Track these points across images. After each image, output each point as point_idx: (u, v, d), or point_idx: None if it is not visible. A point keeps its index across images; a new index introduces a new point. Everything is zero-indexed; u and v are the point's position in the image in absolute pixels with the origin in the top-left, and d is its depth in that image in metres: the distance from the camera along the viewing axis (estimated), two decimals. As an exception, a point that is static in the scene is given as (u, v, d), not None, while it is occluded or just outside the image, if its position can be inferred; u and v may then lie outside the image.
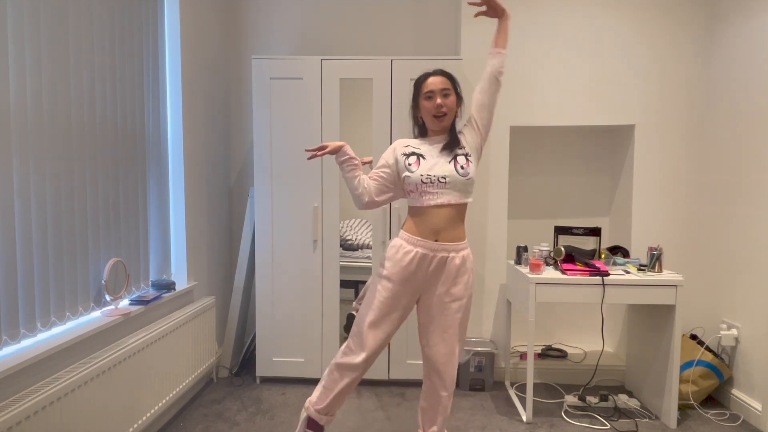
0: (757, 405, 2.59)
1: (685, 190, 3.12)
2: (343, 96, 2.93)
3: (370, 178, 2.03)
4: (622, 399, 2.79)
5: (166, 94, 2.69)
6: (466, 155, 1.97)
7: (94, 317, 2.09)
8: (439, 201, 1.93)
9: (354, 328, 2.04)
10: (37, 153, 1.77)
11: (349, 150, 2.00)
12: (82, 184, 2.00)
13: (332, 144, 1.99)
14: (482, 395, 2.98)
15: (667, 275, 2.61)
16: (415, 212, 2.00)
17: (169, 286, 2.56)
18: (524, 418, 2.65)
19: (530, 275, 2.60)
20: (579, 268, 2.65)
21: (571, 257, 2.78)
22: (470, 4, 2.03)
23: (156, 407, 2.32)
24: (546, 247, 2.83)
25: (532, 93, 3.12)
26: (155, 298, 2.40)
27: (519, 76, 3.12)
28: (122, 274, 2.23)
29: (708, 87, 3.04)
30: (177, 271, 2.80)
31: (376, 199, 2.01)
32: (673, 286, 2.54)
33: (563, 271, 2.66)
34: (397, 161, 2.01)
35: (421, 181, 1.93)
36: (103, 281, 2.11)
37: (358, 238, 3.42)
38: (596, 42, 3.09)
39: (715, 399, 2.89)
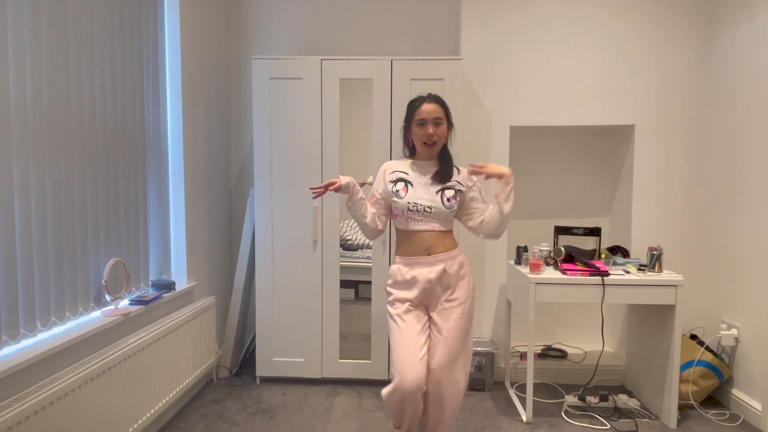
0: (757, 405, 2.59)
1: (685, 190, 3.12)
2: (343, 96, 2.93)
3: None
4: (622, 399, 2.79)
5: (166, 94, 2.69)
6: (456, 191, 2.00)
7: (94, 317, 2.09)
8: (424, 227, 1.99)
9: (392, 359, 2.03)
10: (37, 153, 1.77)
11: (357, 185, 2.00)
12: (82, 184, 2.00)
13: (342, 179, 1.95)
14: (482, 395, 2.98)
15: (667, 275, 2.61)
16: (403, 236, 2.05)
17: (169, 286, 2.56)
18: (524, 418, 2.65)
19: (530, 275, 2.60)
20: (579, 268, 2.65)
21: (571, 257, 2.78)
22: (472, 173, 2.00)
23: (156, 407, 2.32)
24: (546, 247, 2.83)
25: (532, 93, 3.12)
26: (155, 298, 2.40)
27: (519, 76, 3.12)
28: (122, 274, 2.23)
29: (708, 87, 3.04)
30: (177, 271, 2.80)
31: (380, 227, 2.08)
32: (673, 286, 2.54)
33: (563, 271, 2.66)
34: (385, 188, 2.05)
35: (408, 208, 1.98)
36: (103, 281, 2.11)
37: (358, 238, 3.42)
38: (596, 42, 3.09)
39: (715, 399, 2.89)
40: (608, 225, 3.40)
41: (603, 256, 2.83)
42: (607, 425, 2.59)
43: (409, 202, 1.97)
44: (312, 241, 3.00)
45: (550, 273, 2.66)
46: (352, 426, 2.57)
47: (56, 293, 1.87)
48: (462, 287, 2.00)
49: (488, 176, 1.96)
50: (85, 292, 2.04)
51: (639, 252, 3.04)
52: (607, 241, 3.32)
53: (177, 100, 2.73)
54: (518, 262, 2.89)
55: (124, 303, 2.30)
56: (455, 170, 2.05)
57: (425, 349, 1.95)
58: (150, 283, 2.54)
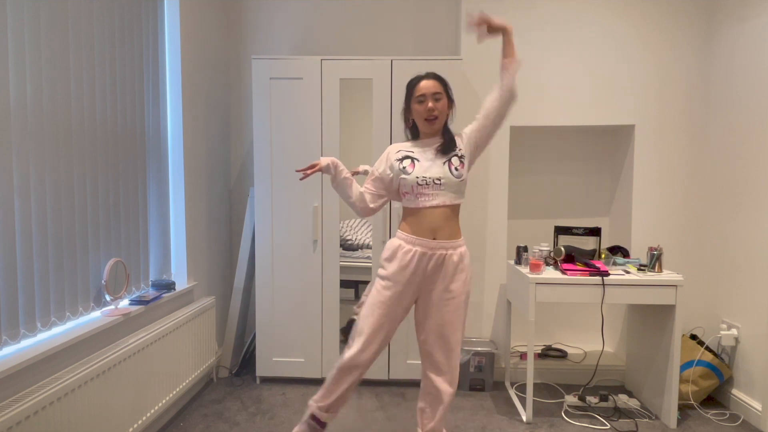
0: (757, 405, 2.59)
1: (685, 190, 3.12)
2: (343, 96, 2.93)
3: (364, 186, 2.08)
4: (622, 399, 2.79)
5: (166, 94, 2.69)
6: (460, 157, 2.00)
7: (94, 317, 2.09)
8: (434, 202, 1.97)
9: (355, 328, 2.05)
10: (37, 153, 1.77)
11: (340, 165, 2.02)
12: (82, 184, 2.00)
13: (322, 160, 2.00)
14: (482, 395, 2.98)
15: (667, 275, 2.61)
16: (410, 213, 2.02)
17: (169, 286, 2.56)
18: (524, 418, 2.65)
19: (530, 275, 2.60)
20: (579, 268, 2.65)
21: (571, 257, 2.78)
22: (470, 24, 1.99)
23: (156, 407, 2.32)
24: (546, 247, 2.83)
25: (533, 93, 3.12)
26: (155, 298, 2.40)
27: (519, 76, 3.10)
28: (122, 274, 2.23)
29: (708, 87, 3.04)
30: (177, 271, 2.80)
31: (371, 206, 2.07)
32: (673, 286, 2.54)
33: (563, 271, 2.66)
34: (391, 167, 2.04)
35: (417, 183, 1.97)
36: (103, 281, 2.11)
37: (358, 238, 3.42)
38: (596, 42, 3.09)
39: (715, 399, 2.89)
40: (608, 225, 3.40)
41: (603, 256, 2.83)
42: (607, 425, 2.59)
43: (417, 177, 1.96)
44: (312, 241, 3.00)
45: (550, 273, 2.66)
46: (352, 426, 2.57)
47: (56, 293, 1.87)
48: (459, 280, 1.99)
49: (490, 30, 1.97)
50: (85, 292, 2.04)
51: (639, 252, 3.04)
52: (607, 241, 3.32)
53: (177, 100, 2.73)
54: (518, 262, 2.89)
55: (124, 303, 2.30)
56: (457, 140, 2.05)
57: (392, 335, 2.06)
58: (150, 283, 2.54)
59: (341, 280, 3.02)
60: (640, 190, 3.12)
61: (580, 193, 3.44)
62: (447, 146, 2.01)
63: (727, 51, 2.90)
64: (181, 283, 2.77)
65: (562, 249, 2.77)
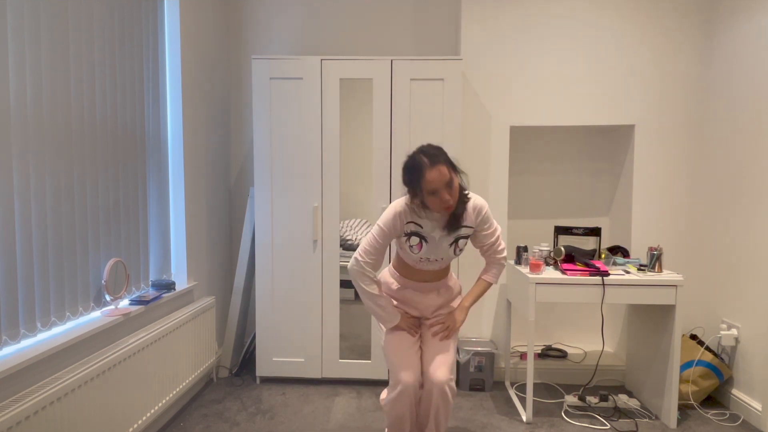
0: (757, 405, 2.59)
1: (685, 190, 3.12)
2: (343, 96, 2.93)
3: (370, 257, 1.96)
4: (622, 399, 2.79)
5: (166, 94, 2.69)
6: (466, 237, 2.02)
7: (94, 317, 2.09)
8: (430, 268, 2.06)
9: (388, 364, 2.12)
10: (37, 153, 1.77)
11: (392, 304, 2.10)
12: (82, 184, 2.00)
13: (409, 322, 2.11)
14: (482, 395, 2.98)
15: (667, 275, 2.61)
16: (404, 262, 2.10)
17: (169, 286, 2.56)
18: (524, 418, 2.65)
19: (530, 275, 2.60)
20: (579, 268, 2.65)
21: (571, 257, 2.78)
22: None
23: (156, 407, 2.32)
24: (546, 247, 2.83)
25: (532, 93, 3.12)
26: (155, 298, 2.40)
27: (519, 76, 3.12)
28: (122, 274, 2.23)
29: (708, 87, 3.04)
30: (177, 271, 2.80)
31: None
32: (673, 286, 2.54)
33: (563, 271, 2.66)
34: (398, 232, 1.97)
35: (420, 259, 2.02)
36: (103, 281, 2.11)
37: (358, 238, 3.42)
38: (596, 42, 3.09)
39: (715, 399, 2.88)
40: (608, 225, 3.40)
41: (603, 256, 2.83)
42: (607, 425, 2.59)
43: (421, 258, 2.01)
44: (312, 241, 3.00)
45: (550, 273, 2.66)
46: (352, 426, 2.57)
47: (56, 293, 1.87)
48: (453, 300, 2.18)
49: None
50: (85, 292, 2.04)
51: (639, 252, 3.04)
52: (607, 241, 3.32)
53: (177, 100, 2.73)
54: (518, 262, 2.89)
55: (124, 303, 2.30)
56: (466, 210, 1.94)
57: (417, 346, 2.09)
58: (150, 283, 2.54)
59: (341, 280, 3.02)
60: (640, 190, 3.12)
61: (580, 193, 3.44)
62: (453, 223, 1.91)
63: (727, 50, 2.89)
64: (181, 283, 2.77)
65: (562, 249, 2.77)
